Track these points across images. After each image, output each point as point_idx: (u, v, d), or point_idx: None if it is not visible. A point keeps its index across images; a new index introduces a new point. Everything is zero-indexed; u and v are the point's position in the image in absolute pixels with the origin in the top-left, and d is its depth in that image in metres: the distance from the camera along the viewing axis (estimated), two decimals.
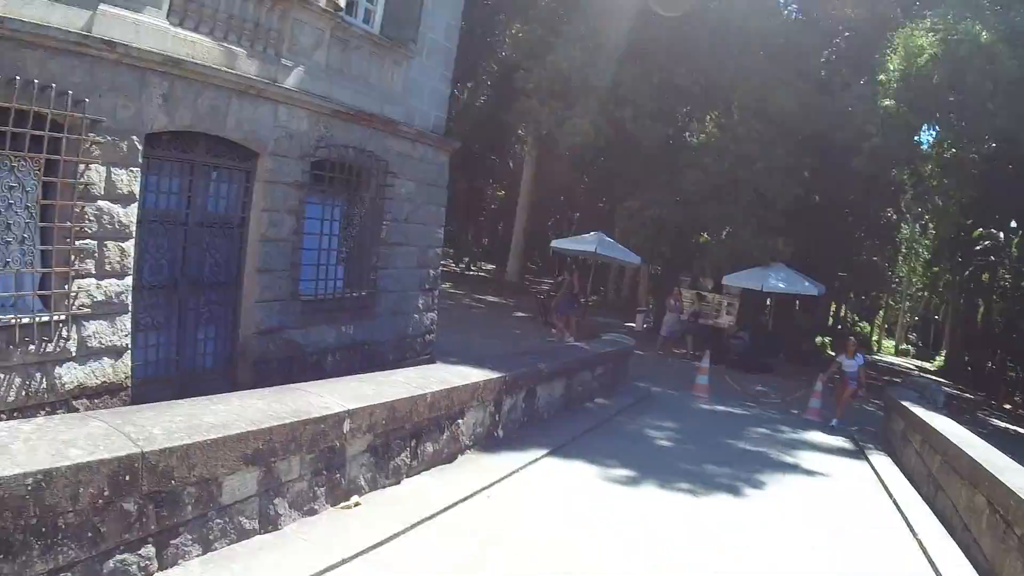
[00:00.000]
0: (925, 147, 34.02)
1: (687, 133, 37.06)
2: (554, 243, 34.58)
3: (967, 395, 40.62)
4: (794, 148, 29.85)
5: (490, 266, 57.68)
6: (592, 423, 14.57)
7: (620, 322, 38.58)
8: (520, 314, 34.42)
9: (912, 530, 10.77)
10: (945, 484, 11.77)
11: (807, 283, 30.08)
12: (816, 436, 18.15)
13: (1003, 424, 30.34)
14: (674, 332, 29.41)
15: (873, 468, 15.08)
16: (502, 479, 10.05)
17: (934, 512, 11.76)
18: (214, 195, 11.87)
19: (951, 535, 10.54)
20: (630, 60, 31.78)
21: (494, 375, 11.22)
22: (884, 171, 29.84)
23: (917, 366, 61.17)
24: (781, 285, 29.54)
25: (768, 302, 37.87)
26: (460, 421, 10.34)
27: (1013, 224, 44.76)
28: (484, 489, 9.50)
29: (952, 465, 11.44)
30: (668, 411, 17.93)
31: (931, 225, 58.10)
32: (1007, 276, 50.92)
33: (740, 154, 29.98)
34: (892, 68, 26.75)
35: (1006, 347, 52.96)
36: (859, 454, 16.69)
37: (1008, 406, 38.03)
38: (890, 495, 12.81)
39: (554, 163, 47.63)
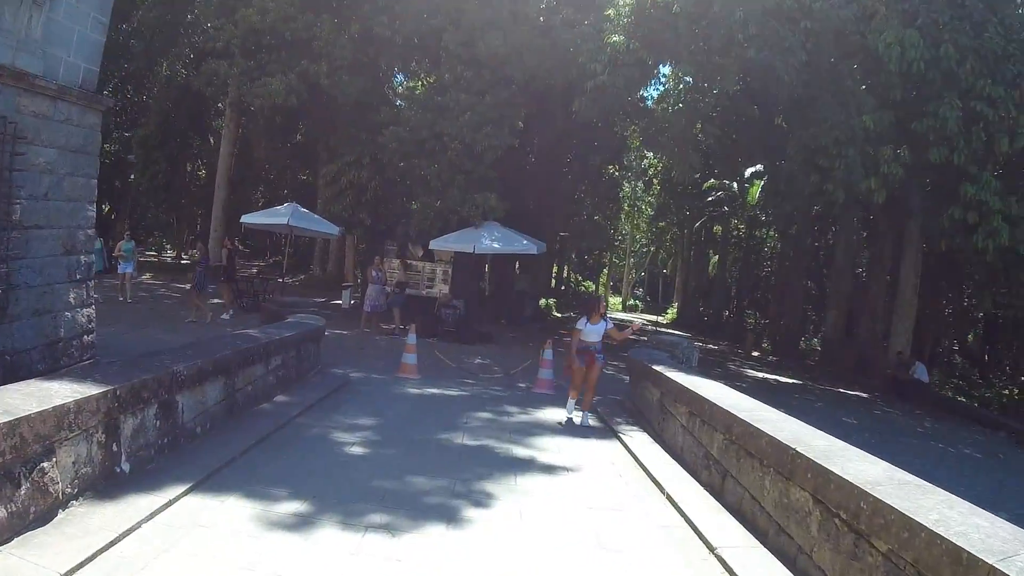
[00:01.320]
0: (657, 89, 32.33)
1: (388, 87, 33.57)
2: (244, 218, 30.78)
3: (711, 346, 39.70)
4: (507, 96, 27.22)
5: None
6: (264, 431, 11.16)
7: (327, 300, 35.53)
8: (216, 300, 30.54)
9: (706, 541, 8.01)
10: (737, 472, 9.12)
11: (525, 241, 27.61)
12: (551, 414, 15.47)
13: (761, 375, 28.95)
14: (378, 305, 26.18)
15: (630, 451, 12.34)
16: (114, 542, 6.64)
17: (726, 508, 9.07)
18: None
19: (762, 542, 7.87)
20: (328, 11, 28.73)
21: (95, 390, 7.62)
22: (608, 115, 27.59)
23: (651, 321, 61.31)
24: (496, 245, 26.93)
25: (486, 267, 35.49)
26: (46, 464, 6.72)
27: (748, 171, 44.44)
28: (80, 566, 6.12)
29: (744, 447, 8.86)
30: (367, 402, 14.77)
31: (655, 181, 58.82)
32: (740, 226, 51.39)
33: (445, 106, 27.10)
34: (623, 2, 24.59)
35: (743, 296, 53.89)
36: (608, 432, 14.05)
37: (756, 353, 37.32)
38: (662, 490, 10.01)
39: (256, 136, 43.99)
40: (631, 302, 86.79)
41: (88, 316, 14.68)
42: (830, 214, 35.11)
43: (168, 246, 59.21)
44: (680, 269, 68.97)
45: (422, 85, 33.69)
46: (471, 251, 26.87)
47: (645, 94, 33.57)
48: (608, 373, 23.47)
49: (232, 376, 11.49)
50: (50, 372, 12.30)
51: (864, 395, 28.52)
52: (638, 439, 13.11)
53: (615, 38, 24.25)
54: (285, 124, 38.96)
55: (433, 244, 27.90)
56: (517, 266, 40.43)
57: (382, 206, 32.24)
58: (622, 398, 17.61)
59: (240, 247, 64.31)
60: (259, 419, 11.90)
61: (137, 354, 12.07)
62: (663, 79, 28.71)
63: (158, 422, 9.17)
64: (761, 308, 56.74)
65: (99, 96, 14.82)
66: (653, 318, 67.03)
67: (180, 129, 45.70)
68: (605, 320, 14.66)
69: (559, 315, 48.49)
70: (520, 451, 11.98)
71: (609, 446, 13.02)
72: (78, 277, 14.28)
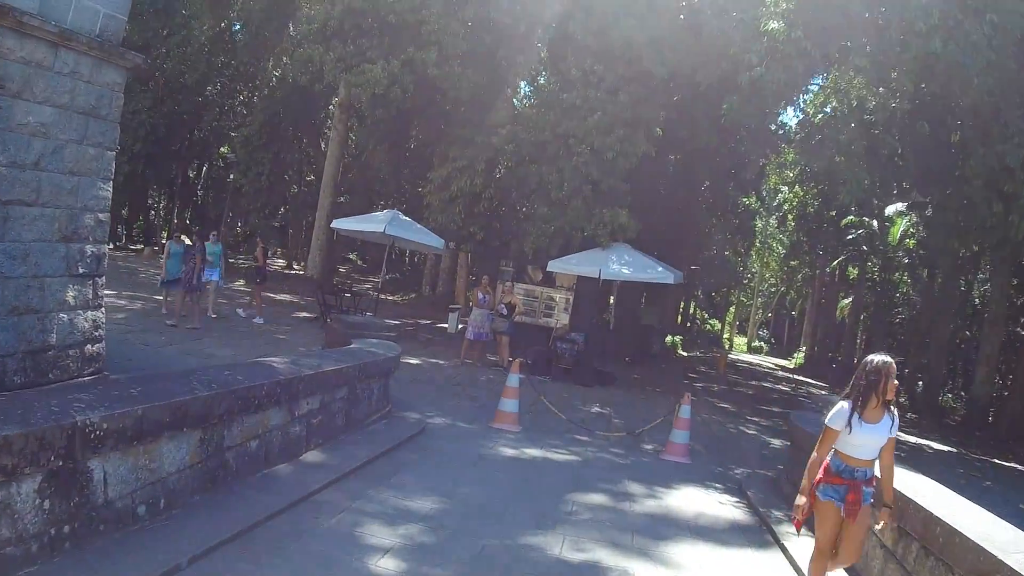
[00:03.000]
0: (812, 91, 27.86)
1: (508, 86, 29.52)
2: (336, 223, 27.10)
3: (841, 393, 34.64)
4: (645, 95, 23.04)
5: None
6: (253, 517, 7.26)
7: (433, 323, 31.90)
8: (304, 314, 27.05)
9: None
10: None
11: (660, 268, 23.23)
12: (687, 497, 11.35)
13: (912, 439, 24.00)
14: (482, 334, 22.06)
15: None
16: None
17: None
18: None
19: None
20: None
21: None
22: (760, 117, 23.11)
23: (777, 365, 57.32)
24: (626, 271, 22.58)
25: (611, 299, 31.30)
26: None
27: (891, 209, 41.11)
28: None
29: None
30: (437, 467, 10.80)
31: (789, 216, 55.85)
32: (874, 268, 47.00)
33: (571, 104, 23.07)
34: None
35: (874, 343, 49.18)
36: (763, 535, 9.85)
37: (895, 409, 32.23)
38: None
39: (365, 137, 40.69)
40: (756, 343, 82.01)
41: (95, 321, 11.38)
42: (999, 254, 29.85)
43: (276, 253, 56.76)
44: (809, 312, 64.27)
45: (545, 81, 29.52)
46: (596, 276, 22.58)
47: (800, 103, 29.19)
48: (749, 432, 19.17)
49: (214, 427, 7.54)
50: (31, 386, 10.03)
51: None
52: (809, 552, 8.82)
53: (773, 24, 19.90)
54: (397, 127, 35.38)
55: (552, 266, 23.63)
56: (644, 298, 36.10)
57: (497, 219, 28.25)
58: (776, 475, 13.32)
59: (358, 262, 61.89)
60: (260, 492, 7.97)
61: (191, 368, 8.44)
62: (828, 76, 24.01)
63: (45, 501, 5.33)
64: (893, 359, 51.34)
65: (122, 50, 11.53)
66: (780, 362, 62.67)
67: (286, 130, 42.59)
68: (889, 415, 6.76)
69: (685, 353, 44.15)
70: (645, 571, 7.83)
71: (770, 561, 8.89)
72: (81, 271, 11.04)
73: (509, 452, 12.54)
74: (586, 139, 22.44)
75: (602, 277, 22.43)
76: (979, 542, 5.81)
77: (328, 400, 10.31)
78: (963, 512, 6.73)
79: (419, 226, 25.67)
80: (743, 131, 29.15)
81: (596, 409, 18.58)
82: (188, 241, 22.40)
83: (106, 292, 11.00)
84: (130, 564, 5.76)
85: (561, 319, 26.74)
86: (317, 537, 7.26)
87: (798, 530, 7.29)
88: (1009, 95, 19.73)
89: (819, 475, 6.82)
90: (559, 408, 16.29)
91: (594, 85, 23.05)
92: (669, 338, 41.77)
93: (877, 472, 6.84)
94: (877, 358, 6.73)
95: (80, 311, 11.04)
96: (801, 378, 43.63)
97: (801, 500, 6.83)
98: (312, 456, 9.62)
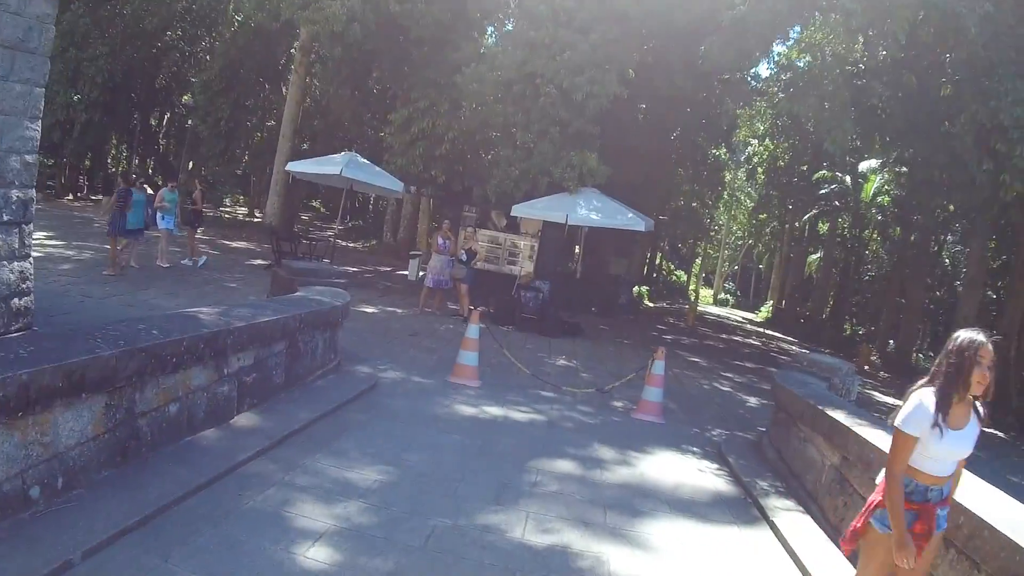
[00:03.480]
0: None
1: (474, 27, 28.04)
2: (290, 165, 25.84)
3: (813, 351, 33.78)
4: (618, 35, 21.86)
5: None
6: (166, 497, 6.22)
7: (394, 270, 30.84)
8: (259, 262, 25.83)
9: None
10: None
11: (630, 215, 22.16)
12: (664, 462, 10.44)
13: (891, 400, 23.22)
14: (442, 281, 20.89)
15: (796, 559, 7.24)
16: None
17: None
18: None
19: None
20: None
21: None
22: (738, 62, 22.00)
23: (745, 318, 56.82)
24: (595, 217, 21.50)
25: (577, 248, 30.23)
26: None
27: (866, 166, 40.86)
28: None
29: None
30: (386, 430, 9.74)
31: (759, 170, 55.71)
32: (845, 225, 46.37)
33: (539, 42, 21.84)
34: None
35: (843, 300, 49.75)
36: (749, 509, 8.92)
37: (866, 367, 31.60)
38: None
39: (327, 81, 39.28)
40: (722, 296, 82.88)
41: (22, 272, 10.14)
42: (985, 214, 28.84)
43: (239, 200, 55.28)
44: (778, 266, 64.21)
45: (513, 27, 28.11)
46: (563, 221, 21.49)
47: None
48: (723, 389, 18.28)
49: (122, 391, 6.45)
50: None
51: (1002, 435, 22.49)
52: (801, 530, 7.91)
53: None
54: (358, 70, 33.90)
55: (517, 210, 22.48)
56: (610, 247, 35.01)
57: (459, 163, 26.99)
58: (757, 438, 12.45)
59: (321, 209, 60.48)
60: (179, 465, 6.91)
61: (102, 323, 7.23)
62: (813, 21, 22.84)
63: None
64: (861, 316, 52.30)
65: None
66: (746, 315, 62.49)
67: (248, 75, 40.97)
68: (976, 416, 4.99)
69: (652, 305, 43.26)
70: (621, 557, 6.86)
71: (759, 539, 7.95)
72: (6, 219, 9.77)
73: (467, 411, 11.50)
74: (554, 79, 21.26)
75: (569, 223, 21.36)
76: (1014, 538, 4.83)
77: (264, 355, 9.23)
78: (990, 500, 5.70)
79: (378, 169, 24.50)
80: (717, 81, 28.16)
81: (562, 362, 17.58)
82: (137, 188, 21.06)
83: (55, 243, 10.12)
84: (13, 562, 4.72)
85: (525, 267, 25.70)
86: (239, 520, 6.22)
87: (846, 553, 6.09)
88: (1005, 49, 18.86)
89: (875, 496, 5.11)
90: (523, 361, 15.33)
91: (564, 24, 21.86)
92: (636, 289, 40.84)
93: None
94: (965, 335, 4.80)
95: (5, 262, 9.85)
96: (771, 332, 43.06)
97: (905, 542, 4.78)
98: (245, 419, 8.56)
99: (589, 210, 21.28)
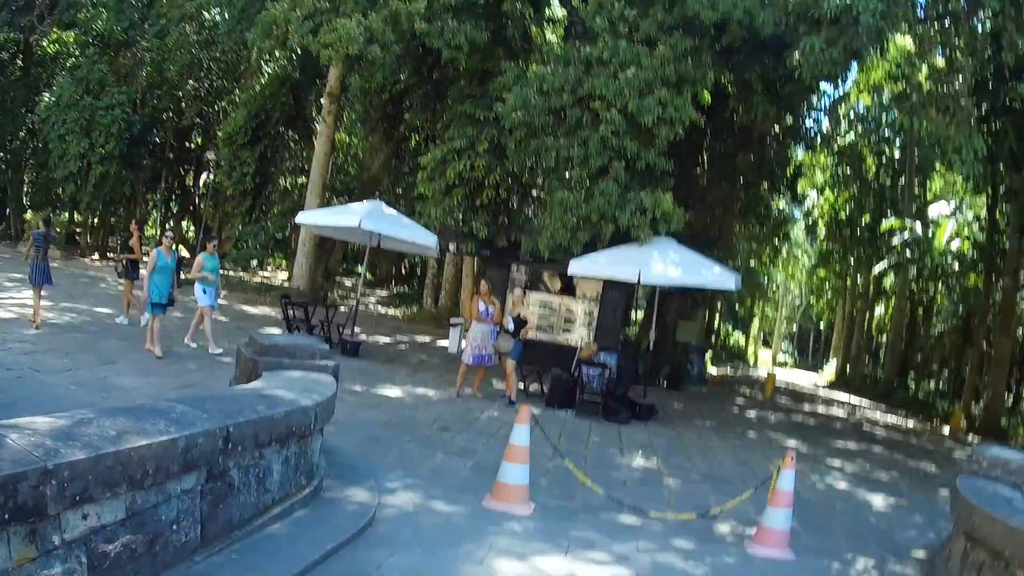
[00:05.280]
0: None
1: (514, 45, 23.93)
2: (300, 216, 21.93)
3: (895, 420, 29.83)
4: (690, 48, 17.95)
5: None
6: None
7: (433, 340, 27.02)
8: (273, 330, 21.79)
9: None
10: None
11: (717, 269, 17.89)
12: None
13: None
14: (486, 357, 16.66)
15: None
16: None
17: None
18: None
19: None
20: None
21: None
22: (840, 68, 17.84)
23: (811, 381, 52.09)
24: (675, 273, 17.26)
25: (633, 311, 26.02)
26: None
27: (935, 211, 38.28)
28: None
29: None
30: None
31: (820, 223, 53.39)
32: (912, 278, 42.85)
33: (597, 58, 17.93)
34: None
35: (910, 357, 46.90)
36: None
37: (958, 433, 27.48)
38: None
39: (356, 129, 36.01)
40: (781, 358, 79.79)
41: None
42: None
43: (280, 264, 51.92)
44: (840, 323, 61.30)
45: (559, 42, 24.13)
46: (634, 280, 17.28)
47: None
48: (838, 487, 13.91)
49: None
50: None
51: None
52: None
53: None
54: (388, 115, 30.34)
55: (575, 267, 18.23)
56: (673, 309, 30.73)
57: (504, 212, 22.92)
58: (928, 557, 8.82)
59: (367, 275, 56.65)
60: None
61: None
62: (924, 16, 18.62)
63: None
64: (928, 373, 48.26)
65: None
66: (811, 376, 58.26)
67: (274, 127, 37.55)
68: None
69: (715, 372, 38.87)
70: None
71: None
72: None
73: (511, 569, 7.32)
74: (616, 101, 17.23)
75: (642, 282, 17.13)
76: None
77: (150, 502, 5.18)
78: None
79: (407, 220, 20.70)
80: (803, 102, 24.25)
81: (640, 463, 13.30)
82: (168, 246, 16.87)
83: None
84: None
85: (583, 337, 21.60)
86: None
87: None
88: None
89: None
90: (589, 459, 11.27)
91: (624, 35, 17.91)
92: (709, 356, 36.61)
93: None
94: None
95: None
96: (842, 396, 38.50)
97: None
98: None
99: (667, 264, 17.07)
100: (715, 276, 17.52)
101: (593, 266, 17.88)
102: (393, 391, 16.17)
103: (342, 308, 24.12)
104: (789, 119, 28.64)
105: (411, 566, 6.94)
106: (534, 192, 24.47)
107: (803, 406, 29.39)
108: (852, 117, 45.50)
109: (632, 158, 17.56)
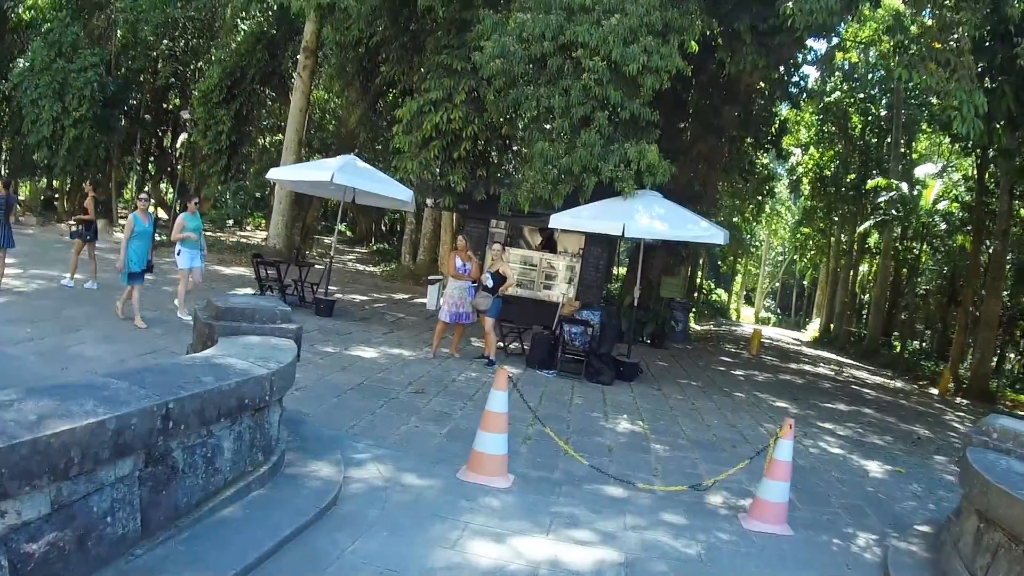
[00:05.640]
0: None
1: None
2: (271, 172, 21.05)
3: (883, 381, 29.27)
4: None
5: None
6: None
7: (411, 298, 26.61)
8: (247, 291, 21.05)
9: None
10: None
11: (704, 224, 17.03)
12: None
13: None
14: (462, 315, 15.94)
15: None
16: None
17: None
18: None
19: None
20: None
21: None
22: (835, 16, 16.97)
23: (795, 339, 51.86)
24: (660, 227, 16.45)
25: (613, 267, 25.37)
26: None
27: (921, 171, 38.23)
28: None
29: None
30: None
31: (804, 181, 54.61)
32: (898, 235, 43.39)
33: (580, 5, 17.10)
34: None
35: (893, 316, 46.86)
36: None
37: (946, 395, 27.07)
38: None
39: (332, 83, 35.14)
40: (764, 315, 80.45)
41: None
42: None
43: (260, 224, 51.26)
44: (823, 281, 61.84)
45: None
46: (619, 234, 16.53)
47: None
48: (834, 452, 13.35)
49: None
50: None
51: None
52: None
53: None
54: (365, 68, 29.44)
55: (556, 221, 17.26)
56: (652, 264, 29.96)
57: (482, 165, 22.08)
58: (928, 547, 8.17)
59: (347, 232, 55.84)
60: None
61: None
62: None
63: None
64: (912, 332, 48.11)
65: None
66: (794, 334, 58.07)
67: (249, 84, 36.75)
68: None
69: (698, 328, 38.26)
70: None
71: None
72: None
73: (490, 551, 6.71)
74: (600, 49, 16.39)
75: (626, 235, 16.38)
76: None
77: (79, 492, 4.55)
78: None
79: (381, 174, 19.96)
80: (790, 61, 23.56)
81: (625, 425, 12.68)
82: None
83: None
84: None
85: (565, 293, 20.96)
86: None
87: None
88: None
89: None
90: (572, 424, 10.71)
91: None
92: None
93: None
94: None
95: None
96: (827, 354, 38.65)
97: None
98: None
99: (652, 218, 16.31)
100: (703, 230, 16.72)
101: (575, 220, 17.07)
102: (367, 352, 15.51)
103: (317, 266, 23.34)
104: (779, 71, 27.91)
105: (376, 553, 6.30)
106: (514, 146, 23.66)
107: (789, 365, 28.90)
108: (839, 75, 45.31)
109: (616, 108, 16.77)
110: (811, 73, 36.79)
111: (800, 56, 30.92)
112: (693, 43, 17.85)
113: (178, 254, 16.04)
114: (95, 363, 10.95)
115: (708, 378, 20.10)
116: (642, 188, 16.91)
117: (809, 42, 25.99)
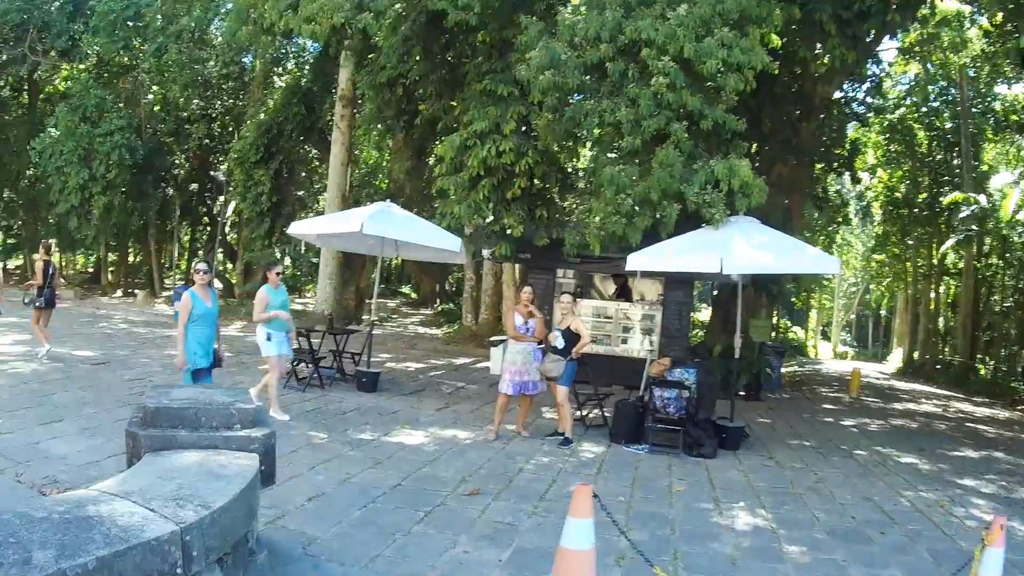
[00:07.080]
0: None
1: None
2: (292, 227, 18.14)
3: (985, 412, 26.37)
4: None
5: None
6: None
7: (474, 362, 24.30)
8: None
9: None
10: None
11: (812, 251, 14.08)
12: None
13: None
14: (530, 384, 12.97)
15: None
16: None
17: None
18: None
19: None
20: None
21: None
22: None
23: (880, 372, 47.77)
24: (765, 259, 13.22)
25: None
26: None
27: (999, 180, 35.05)
28: None
29: None
30: None
31: (875, 206, 52.74)
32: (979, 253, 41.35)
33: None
34: None
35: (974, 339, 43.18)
36: None
37: None
38: None
39: (374, 132, 33.35)
40: (840, 349, 76.70)
41: None
42: None
43: (310, 290, 49.16)
44: (907, 309, 57.63)
45: None
46: (715, 271, 12.94)
47: None
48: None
49: None
50: None
51: None
52: None
53: None
54: (404, 111, 26.92)
55: (635, 261, 13.90)
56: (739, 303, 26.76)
57: (541, 203, 19.19)
58: None
59: (411, 295, 53.55)
60: None
61: None
62: None
63: None
64: (996, 355, 44.38)
65: None
66: (876, 367, 53.50)
67: (287, 141, 34.97)
68: None
69: (782, 370, 35.06)
70: None
71: None
72: None
73: None
74: (669, 47, 13.56)
75: (726, 271, 13.07)
76: None
77: None
78: None
79: (424, 222, 17.29)
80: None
81: (744, 519, 9.52)
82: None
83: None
84: None
85: (647, 345, 18.05)
86: None
87: None
88: None
89: None
90: (677, 523, 8.31)
91: None
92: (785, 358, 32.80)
93: None
94: None
95: None
96: (917, 387, 35.31)
97: None
98: None
99: (753, 248, 13.12)
100: (813, 260, 13.70)
101: (659, 259, 13.75)
102: (412, 437, 12.62)
103: (367, 331, 20.66)
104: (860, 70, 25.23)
105: None
106: (578, 180, 20.86)
107: (893, 405, 25.66)
108: (901, 90, 43.85)
109: (694, 117, 13.88)
110: (884, 80, 34.17)
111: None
112: (774, 36, 15.03)
113: (268, 339, 13.13)
114: (59, 464, 8.98)
115: (820, 434, 16.97)
116: (734, 214, 13.88)
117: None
